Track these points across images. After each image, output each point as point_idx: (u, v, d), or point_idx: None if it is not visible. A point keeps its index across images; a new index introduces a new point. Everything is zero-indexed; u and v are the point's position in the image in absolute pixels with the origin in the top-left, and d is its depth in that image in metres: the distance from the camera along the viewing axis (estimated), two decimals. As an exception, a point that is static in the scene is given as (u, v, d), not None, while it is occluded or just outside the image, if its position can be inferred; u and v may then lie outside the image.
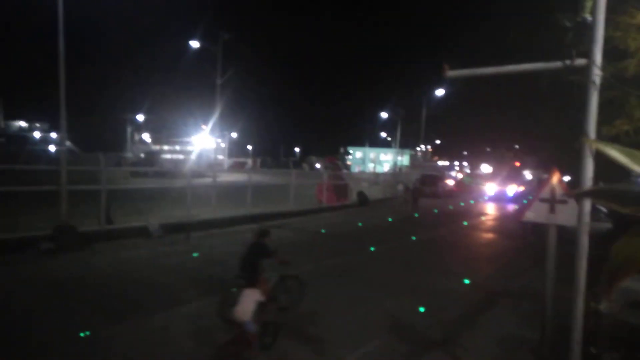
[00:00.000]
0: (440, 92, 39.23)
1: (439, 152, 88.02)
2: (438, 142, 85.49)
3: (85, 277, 8.56)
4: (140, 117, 72.98)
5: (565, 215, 4.71)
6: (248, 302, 5.08)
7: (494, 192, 34.38)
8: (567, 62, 3.87)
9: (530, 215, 5.04)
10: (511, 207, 28.47)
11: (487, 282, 9.93)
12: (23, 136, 65.01)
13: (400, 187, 28.14)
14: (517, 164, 42.58)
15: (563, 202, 4.73)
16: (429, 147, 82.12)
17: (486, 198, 34.60)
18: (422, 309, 7.68)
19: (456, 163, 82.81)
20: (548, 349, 5.25)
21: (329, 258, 11.19)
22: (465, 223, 19.98)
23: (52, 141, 62.55)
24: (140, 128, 75.45)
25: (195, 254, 10.89)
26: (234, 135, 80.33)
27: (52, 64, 11.22)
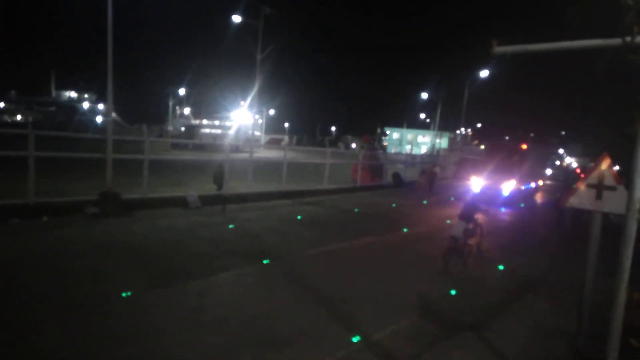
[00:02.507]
0: (484, 73, 37.82)
1: (479, 136, 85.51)
2: (479, 125, 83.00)
3: (127, 242, 8.97)
4: (181, 92, 74.64)
5: (613, 202, 4.49)
6: (460, 226, 9.14)
7: (480, 188, 20.78)
8: (628, 39, 3.62)
9: (573, 201, 4.84)
10: (504, 214, 18.78)
11: (523, 269, 9.70)
12: (72, 106, 68.13)
13: (437, 170, 27.31)
14: (524, 146, 24.64)
15: (611, 188, 4.50)
16: (469, 130, 79.88)
17: (452, 199, 21.32)
18: (453, 292, 7.61)
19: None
20: (585, 340, 5.10)
21: (360, 237, 11.22)
22: (502, 209, 19.47)
23: (99, 112, 65.16)
24: (181, 102, 77.25)
25: (230, 226, 11.18)
26: (272, 112, 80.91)
27: (101, 38, 11.55)
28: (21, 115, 69.73)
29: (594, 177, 4.68)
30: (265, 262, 8.33)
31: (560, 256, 11.22)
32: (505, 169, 21.36)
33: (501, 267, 9.54)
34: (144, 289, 6.48)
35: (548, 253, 11.66)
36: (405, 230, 12.68)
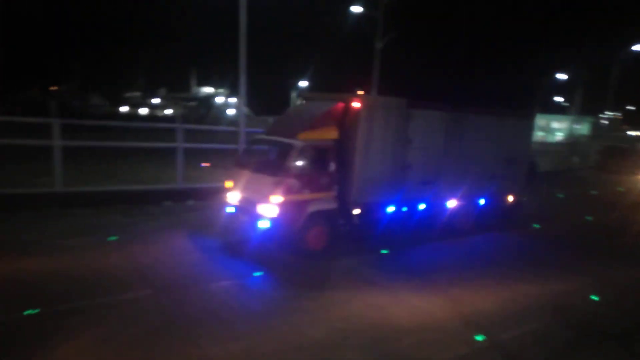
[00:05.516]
0: (638, 47, 32.37)
1: (631, 120, 73.80)
2: (631, 108, 71.56)
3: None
4: (302, 84, 77.91)
5: None
6: None
7: (234, 206, 8.50)
8: None
9: None
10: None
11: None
12: (209, 100, 75.70)
13: (576, 159, 24.06)
14: (356, 104, 7.98)
15: None
16: (618, 114, 69.41)
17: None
18: (595, 298, 6.81)
19: (653, 134, 68.38)
20: None
21: (487, 231, 10.56)
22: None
23: (230, 105, 71.33)
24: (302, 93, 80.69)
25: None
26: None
27: (234, 37, 12.60)
28: (171, 110, 79.40)
29: None
30: (383, 252, 8.39)
31: None
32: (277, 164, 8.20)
33: (657, 273, 8.25)
34: (272, 269, 7.05)
35: None
36: (535, 226, 11.64)
